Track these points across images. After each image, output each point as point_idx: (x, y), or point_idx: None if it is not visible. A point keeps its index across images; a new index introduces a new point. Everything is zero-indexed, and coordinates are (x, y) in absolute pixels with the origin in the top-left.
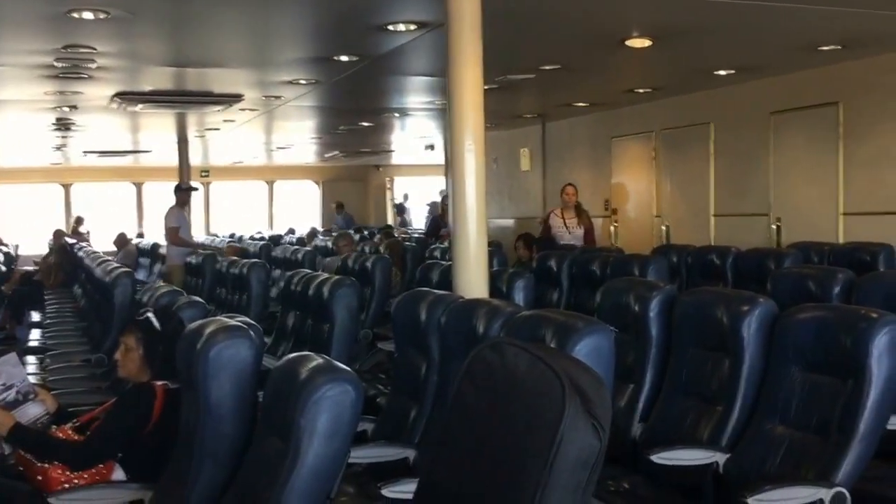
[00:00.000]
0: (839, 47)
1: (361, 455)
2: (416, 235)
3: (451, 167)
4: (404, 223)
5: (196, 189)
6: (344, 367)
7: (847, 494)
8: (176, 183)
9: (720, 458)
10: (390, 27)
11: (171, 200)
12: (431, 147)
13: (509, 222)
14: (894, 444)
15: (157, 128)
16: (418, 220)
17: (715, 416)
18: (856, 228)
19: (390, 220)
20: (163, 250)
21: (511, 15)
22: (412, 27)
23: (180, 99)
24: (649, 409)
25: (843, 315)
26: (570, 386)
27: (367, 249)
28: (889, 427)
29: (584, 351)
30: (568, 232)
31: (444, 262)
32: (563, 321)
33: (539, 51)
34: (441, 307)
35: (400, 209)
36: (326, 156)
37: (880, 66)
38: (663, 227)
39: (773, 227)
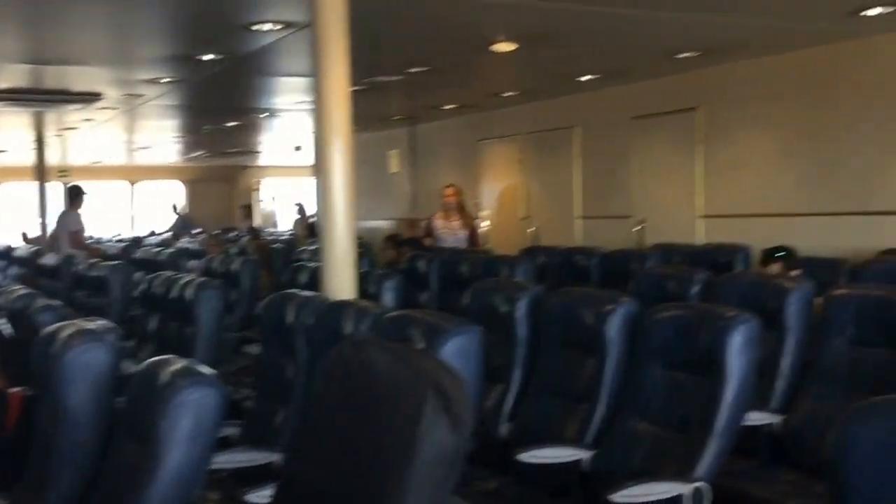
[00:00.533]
0: (697, 54)
1: (225, 460)
2: (285, 237)
3: (318, 169)
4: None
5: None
6: (206, 370)
7: (706, 489)
8: (72, 184)
9: (585, 455)
10: (255, 26)
11: (29, 200)
12: (299, 148)
13: (380, 224)
14: (751, 439)
15: (13, 127)
16: (287, 222)
17: (580, 415)
18: (714, 230)
19: (258, 222)
20: (21, 252)
21: (378, 17)
22: (278, 27)
23: (36, 98)
24: (517, 409)
25: (701, 314)
26: (430, 384)
27: (233, 251)
28: (746, 423)
29: (451, 351)
30: (452, 234)
31: (312, 264)
32: (431, 322)
33: (406, 53)
34: (308, 309)
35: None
36: (191, 156)
37: (737, 72)
38: (531, 229)
39: (636, 228)
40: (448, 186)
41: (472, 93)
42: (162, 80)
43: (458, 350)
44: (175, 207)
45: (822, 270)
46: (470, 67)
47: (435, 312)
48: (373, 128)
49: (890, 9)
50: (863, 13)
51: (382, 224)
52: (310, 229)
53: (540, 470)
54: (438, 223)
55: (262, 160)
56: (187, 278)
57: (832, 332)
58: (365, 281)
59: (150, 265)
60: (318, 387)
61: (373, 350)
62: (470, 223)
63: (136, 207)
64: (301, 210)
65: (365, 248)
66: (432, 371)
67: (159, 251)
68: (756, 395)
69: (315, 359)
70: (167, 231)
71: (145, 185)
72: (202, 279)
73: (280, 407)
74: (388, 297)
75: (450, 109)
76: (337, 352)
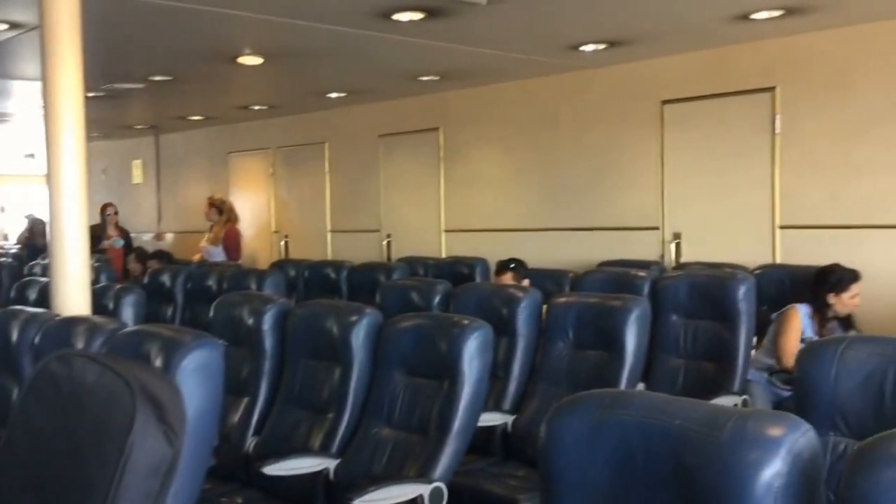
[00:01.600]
0: (437, 78)
1: None
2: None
3: (49, 177)
4: None
5: None
6: None
7: (444, 488)
8: None
9: (331, 464)
10: None
11: None
12: (32, 155)
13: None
14: (486, 439)
15: None
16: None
17: (326, 425)
18: (456, 244)
19: None
20: None
21: (117, 22)
22: (4, 27)
23: None
24: (263, 422)
25: (439, 322)
26: (141, 393)
27: None
28: (481, 424)
29: (191, 366)
30: (210, 246)
31: (44, 279)
32: (170, 336)
33: (149, 61)
34: (35, 326)
35: None
36: None
37: (474, 97)
38: (282, 243)
39: (385, 242)
40: (208, 198)
41: (219, 104)
42: None
43: (198, 365)
44: None
45: (549, 280)
46: (216, 79)
47: (175, 327)
48: (114, 135)
49: (602, 46)
50: (581, 48)
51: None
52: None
53: (287, 481)
54: (204, 240)
55: None
56: None
57: (555, 337)
58: (102, 296)
59: None
60: (23, 403)
61: (80, 363)
62: (229, 236)
63: None
64: (34, 221)
65: (102, 261)
66: (144, 381)
67: None
68: (490, 397)
69: None
70: None
71: None
72: None
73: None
74: (128, 312)
75: (197, 120)
76: (43, 367)
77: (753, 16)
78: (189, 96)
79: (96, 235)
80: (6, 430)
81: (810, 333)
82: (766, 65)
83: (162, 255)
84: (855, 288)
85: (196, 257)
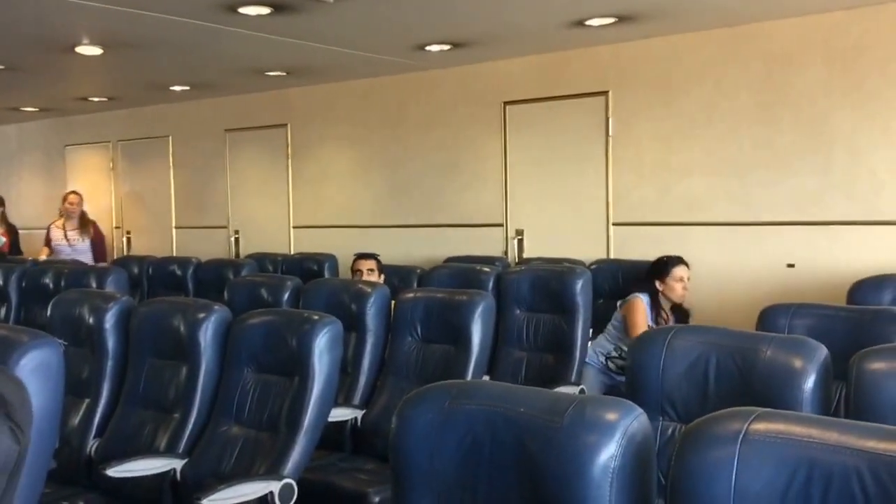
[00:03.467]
0: (284, 74)
1: None
2: None
3: None
4: None
5: None
6: None
7: (294, 484)
8: None
9: (178, 464)
10: None
11: None
12: None
13: None
14: (336, 434)
15: None
16: None
17: (172, 424)
18: (304, 240)
19: None
20: None
21: None
22: None
23: None
24: (106, 424)
25: (288, 318)
26: None
27: None
28: (331, 419)
29: (29, 366)
30: (69, 245)
31: None
32: (5, 335)
33: None
34: None
35: None
36: None
37: (320, 93)
38: (124, 238)
39: (232, 238)
40: (71, 192)
41: (56, 95)
42: None
43: (37, 365)
44: None
45: (397, 276)
46: (52, 69)
47: (11, 326)
48: None
49: (446, 47)
50: (426, 48)
51: None
52: None
53: (132, 483)
54: (56, 233)
55: None
56: None
57: (403, 331)
58: None
59: None
60: None
61: None
62: (93, 234)
63: None
64: None
65: None
66: None
67: None
68: (340, 392)
69: None
70: None
71: None
72: None
73: None
74: None
75: (31, 112)
76: None
77: (588, 22)
78: (23, 86)
79: None
80: None
81: (651, 322)
82: (599, 70)
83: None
84: (678, 272)
85: (43, 255)
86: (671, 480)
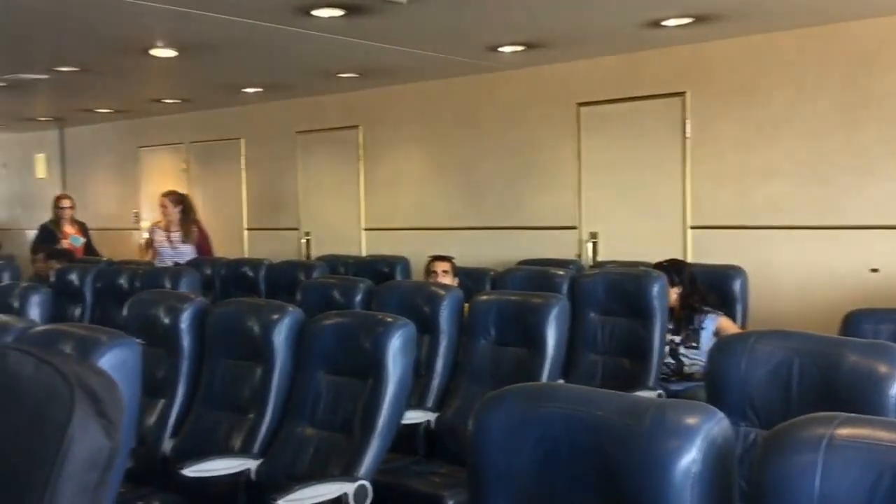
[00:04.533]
0: (356, 75)
1: None
2: None
3: None
4: None
5: None
6: None
7: (369, 486)
8: None
9: (252, 464)
10: None
11: None
12: None
13: (26, 233)
14: (410, 437)
15: None
16: None
17: (247, 425)
18: (375, 242)
19: None
20: None
21: (18, 9)
22: None
23: None
24: (181, 424)
25: (362, 320)
26: (79, 387)
27: None
28: (404, 421)
29: (108, 365)
30: (171, 248)
31: None
32: (85, 335)
33: (55, 51)
34: None
35: None
36: None
37: (393, 95)
38: None
39: (303, 240)
40: (166, 194)
41: (129, 97)
42: None
43: (114, 364)
44: None
45: (470, 278)
46: (127, 71)
47: (90, 326)
48: (14, 128)
49: (519, 48)
50: (499, 49)
51: (29, 234)
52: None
53: (206, 483)
54: (159, 235)
55: None
56: None
57: (477, 334)
58: (7, 295)
59: None
60: None
61: (14, 356)
62: (196, 236)
63: None
64: None
65: (6, 259)
66: (81, 374)
67: None
68: (413, 394)
69: None
70: None
71: None
72: None
73: None
74: (35, 312)
75: (105, 113)
76: None
77: (665, 23)
78: (98, 88)
79: (49, 232)
80: None
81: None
82: (676, 70)
83: (62, 255)
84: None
85: (148, 256)
86: (754, 486)
